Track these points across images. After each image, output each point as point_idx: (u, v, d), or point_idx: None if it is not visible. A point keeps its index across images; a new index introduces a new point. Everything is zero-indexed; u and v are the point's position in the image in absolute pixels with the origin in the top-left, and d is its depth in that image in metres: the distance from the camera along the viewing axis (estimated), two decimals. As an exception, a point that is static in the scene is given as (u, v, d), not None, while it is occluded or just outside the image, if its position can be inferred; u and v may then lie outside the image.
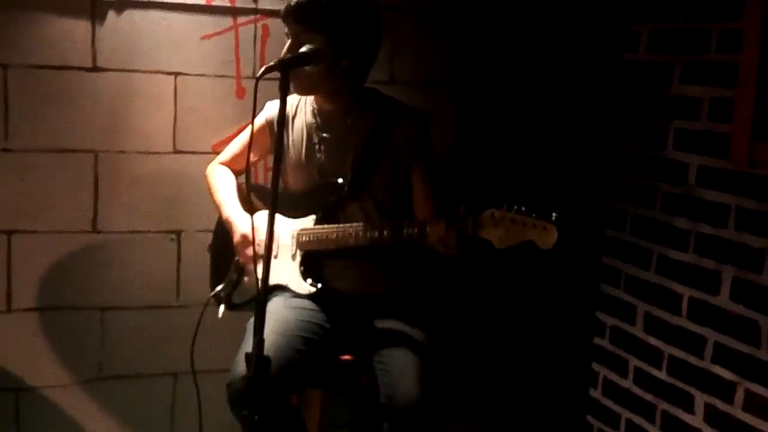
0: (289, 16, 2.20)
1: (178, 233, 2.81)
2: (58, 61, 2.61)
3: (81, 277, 2.74)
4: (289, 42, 2.21)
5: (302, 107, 2.40)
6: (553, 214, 1.99)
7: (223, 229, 2.45)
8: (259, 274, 1.83)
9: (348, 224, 2.24)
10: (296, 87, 2.26)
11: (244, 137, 2.51)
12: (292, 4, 2.20)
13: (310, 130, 2.36)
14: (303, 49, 2.09)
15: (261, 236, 2.24)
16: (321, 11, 2.16)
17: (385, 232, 2.17)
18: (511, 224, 2.02)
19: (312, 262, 2.34)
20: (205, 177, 2.54)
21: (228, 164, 2.53)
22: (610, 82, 3.16)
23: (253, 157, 2.46)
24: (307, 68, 2.12)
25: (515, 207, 2.03)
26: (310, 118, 2.37)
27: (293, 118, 2.40)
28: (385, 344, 2.24)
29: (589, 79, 3.15)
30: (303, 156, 2.36)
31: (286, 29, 2.24)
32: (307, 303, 2.31)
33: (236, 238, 2.34)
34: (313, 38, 2.15)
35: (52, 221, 2.68)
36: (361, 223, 2.23)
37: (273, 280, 2.11)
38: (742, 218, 2.61)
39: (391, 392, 2.13)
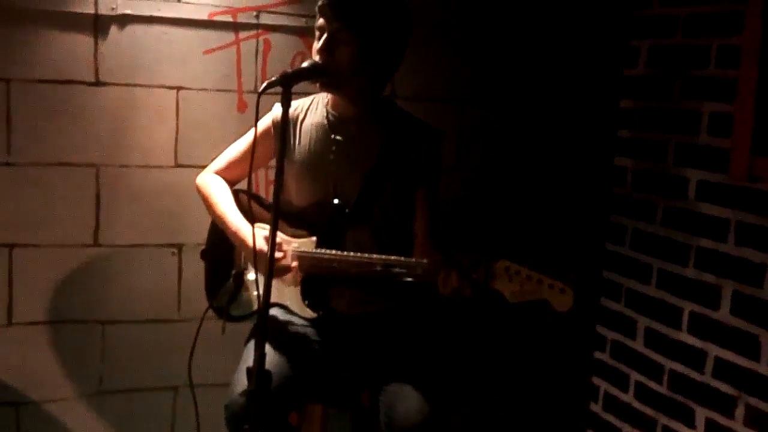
0: (331, 10, 2.13)
1: (180, 247, 2.82)
2: (60, 75, 2.63)
3: (82, 290, 2.75)
4: (324, 39, 2.13)
5: (313, 109, 2.34)
6: (570, 275, 1.91)
7: (217, 236, 2.38)
8: (261, 290, 1.83)
9: (351, 254, 2.16)
10: (322, 84, 2.19)
11: (242, 144, 2.41)
12: None
13: (323, 131, 2.29)
14: (304, 65, 2.09)
15: (261, 243, 2.17)
16: (365, 9, 2.13)
17: (390, 272, 2.10)
18: (526, 280, 1.94)
19: (311, 282, 2.28)
20: (198, 187, 2.43)
21: (222, 172, 2.41)
22: (610, 97, 3.17)
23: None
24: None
25: (529, 261, 1.94)
26: (322, 119, 2.30)
27: (302, 120, 2.33)
28: (384, 366, 2.22)
29: (589, 94, 3.16)
30: (313, 157, 2.28)
31: (320, 21, 2.15)
32: (304, 320, 2.30)
33: (249, 251, 2.21)
34: (350, 37, 2.12)
35: (53, 235, 2.69)
36: (365, 255, 2.14)
37: (273, 299, 1.99)
38: (742, 233, 2.61)
39: (391, 412, 2.10)
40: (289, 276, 2.24)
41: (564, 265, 1.96)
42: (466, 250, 2.05)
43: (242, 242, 2.25)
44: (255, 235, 1.99)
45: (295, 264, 2.23)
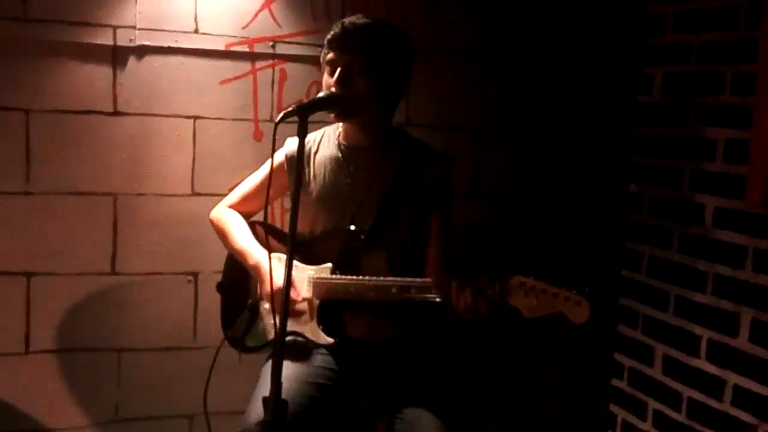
0: (342, 42, 2.17)
1: (195, 275, 2.83)
2: (79, 105, 2.66)
3: (99, 318, 2.76)
4: (339, 71, 2.15)
5: (326, 141, 2.36)
6: (586, 288, 1.91)
7: (233, 270, 2.42)
8: (277, 319, 1.83)
9: (367, 278, 2.19)
10: (338, 114, 2.22)
11: (256, 178, 2.45)
12: (347, 31, 2.16)
13: (336, 163, 2.32)
14: (321, 95, 2.12)
15: (278, 281, 2.16)
16: (373, 38, 2.17)
17: (405, 294, 2.13)
18: (541, 294, 1.94)
19: (327, 308, 2.29)
20: (212, 222, 2.46)
21: (237, 206, 2.44)
22: (625, 124, 3.17)
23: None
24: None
25: (545, 276, 1.95)
26: (335, 151, 2.33)
27: (315, 153, 2.35)
28: (401, 393, 2.21)
29: (604, 121, 3.17)
30: (328, 188, 2.31)
31: (330, 55, 2.18)
32: (319, 348, 2.30)
33: (266, 288, 2.25)
34: (363, 66, 2.15)
35: (71, 263, 2.71)
36: (381, 279, 2.17)
37: (288, 327, 2.02)
38: (760, 260, 2.60)
39: None
40: (305, 315, 2.28)
41: (579, 278, 1.95)
42: (480, 272, 2.06)
43: (263, 279, 2.28)
44: (272, 273, 2.01)
45: (307, 301, 2.26)
